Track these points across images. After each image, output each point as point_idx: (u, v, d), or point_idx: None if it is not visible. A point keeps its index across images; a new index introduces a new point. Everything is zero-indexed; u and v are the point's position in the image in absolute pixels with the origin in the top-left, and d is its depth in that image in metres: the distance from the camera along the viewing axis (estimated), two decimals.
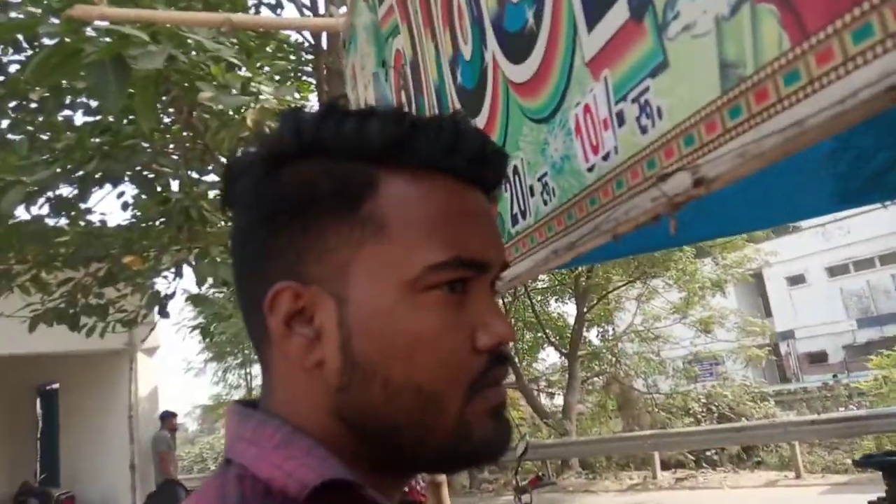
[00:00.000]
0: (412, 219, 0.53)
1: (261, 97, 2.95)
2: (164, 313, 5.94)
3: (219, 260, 5.08)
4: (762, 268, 20.15)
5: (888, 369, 12.37)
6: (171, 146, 5.48)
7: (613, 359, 15.06)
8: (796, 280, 25.30)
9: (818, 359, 23.62)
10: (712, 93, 0.63)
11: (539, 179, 1.02)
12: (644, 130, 0.74)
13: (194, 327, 8.64)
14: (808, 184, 2.27)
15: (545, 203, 1.01)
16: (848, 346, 22.68)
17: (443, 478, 2.48)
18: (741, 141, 0.61)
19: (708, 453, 11.53)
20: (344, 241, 0.53)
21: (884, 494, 1.92)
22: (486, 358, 0.53)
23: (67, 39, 2.72)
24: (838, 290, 24.03)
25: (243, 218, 0.57)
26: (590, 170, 0.87)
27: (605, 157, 0.83)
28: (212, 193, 5.64)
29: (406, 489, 0.65)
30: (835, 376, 16.48)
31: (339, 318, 0.52)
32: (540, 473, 6.40)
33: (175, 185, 5.51)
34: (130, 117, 4.82)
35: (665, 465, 11.42)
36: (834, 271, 24.61)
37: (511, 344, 0.58)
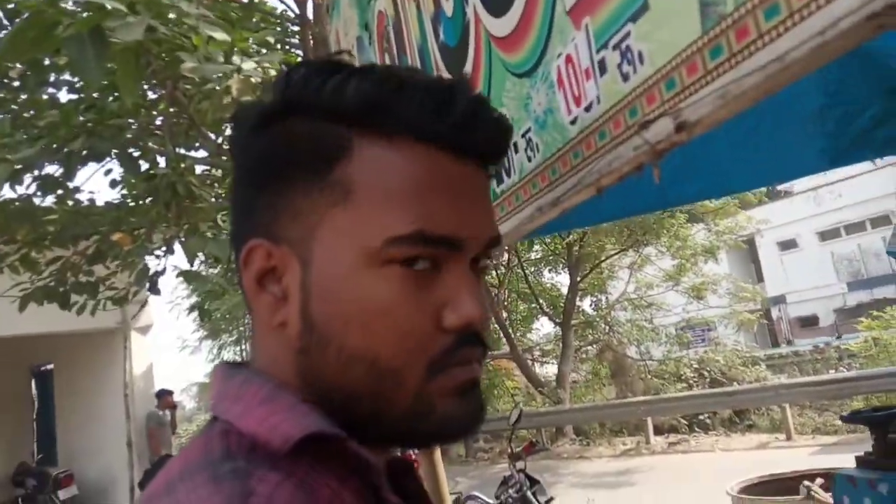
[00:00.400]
0: (381, 186, 0.51)
1: (243, 67, 2.90)
2: (154, 290, 5.91)
3: (209, 235, 5.05)
4: (754, 234, 20.25)
5: (878, 331, 12.51)
6: (157, 122, 5.41)
7: (607, 327, 15.17)
8: (788, 245, 25.43)
9: (809, 322, 23.83)
10: (693, 34, 0.62)
11: (523, 136, 1.00)
12: (626, 77, 0.73)
13: (191, 308, 8.63)
14: (797, 143, 2.26)
15: (529, 159, 1.00)
16: (839, 309, 22.88)
17: None
18: (722, 81, 0.59)
19: (700, 418, 11.67)
20: (314, 203, 0.52)
21: (871, 449, 1.94)
22: (454, 337, 0.52)
23: (44, 12, 2.67)
24: (829, 254, 24.17)
25: (236, 172, 0.58)
26: (573, 122, 0.86)
27: (588, 108, 0.82)
28: (199, 169, 5.60)
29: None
30: (832, 341, 16.63)
31: (301, 281, 0.52)
32: (534, 440, 6.47)
33: (162, 162, 5.46)
34: (115, 94, 4.75)
35: (658, 431, 11.57)
36: (825, 235, 24.72)
37: (488, 325, 0.56)
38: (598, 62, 0.78)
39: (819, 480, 3.00)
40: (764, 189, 13.85)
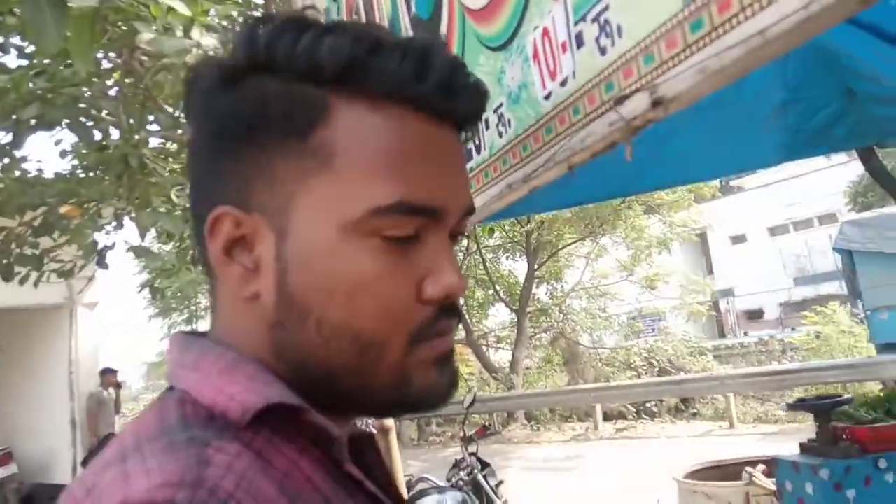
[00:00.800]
0: (362, 152, 0.49)
1: (203, 43, 2.81)
2: (102, 264, 5.75)
3: (162, 210, 4.93)
4: (706, 228, 20.72)
5: (820, 325, 12.96)
6: (111, 92, 5.23)
7: (561, 315, 15.35)
8: (738, 239, 26.11)
9: (755, 315, 24.56)
10: (674, 5, 0.61)
11: (495, 111, 0.99)
12: (603, 51, 0.72)
13: (142, 286, 8.42)
14: (758, 136, 2.31)
15: (500, 135, 0.99)
16: (784, 303, 23.63)
17: (391, 424, 2.49)
18: (702, 56, 0.59)
19: (647, 405, 11.96)
20: (291, 170, 0.49)
21: (814, 436, 2.01)
22: (433, 309, 0.51)
23: None
24: (778, 249, 24.90)
25: (196, 134, 0.54)
26: (547, 97, 0.85)
27: (563, 83, 0.81)
28: (153, 142, 5.44)
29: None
30: (777, 334, 17.16)
31: (277, 252, 0.50)
32: (486, 424, 6.54)
33: (115, 134, 5.29)
34: (68, 62, 4.57)
35: (607, 417, 11.81)
36: (775, 231, 25.46)
37: (461, 298, 0.55)
38: (575, 35, 0.77)
39: (761, 467, 3.09)
40: (718, 183, 14.15)
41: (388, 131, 0.50)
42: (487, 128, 1.02)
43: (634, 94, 0.68)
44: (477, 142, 1.07)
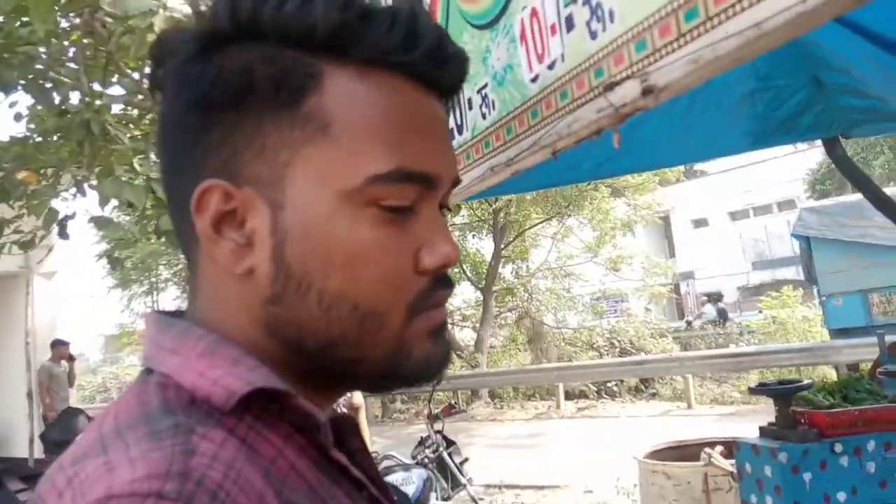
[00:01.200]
0: (358, 120, 0.48)
1: (168, 4, 2.72)
2: (63, 234, 5.60)
3: (124, 179, 4.80)
4: (670, 211, 21.03)
5: (776, 310, 13.31)
6: (71, 53, 5.06)
7: (527, 294, 15.48)
8: (700, 223, 26.58)
9: (714, 298, 25.10)
10: None
11: (479, 91, 0.98)
12: (594, 35, 0.71)
13: (101, 255, 8.21)
14: (727, 123, 2.34)
15: (484, 117, 0.98)
16: (742, 287, 24.18)
17: (361, 402, 2.50)
18: (696, 45, 0.59)
19: (609, 385, 12.19)
20: (284, 139, 0.48)
21: (773, 420, 2.06)
22: (430, 279, 0.51)
23: None
24: (738, 234, 25.42)
25: (171, 104, 0.51)
26: (533, 80, 0.84)
27: (551, 66, 0.80)
28: (116, 108, 5.29)
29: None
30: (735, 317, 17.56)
31: (272, 224, 0.48)
32: (452, 402, 6.59)
33: (75, 98, 5.12)
34: (24, 19, 4.40)
35: (569, 396, 12.01)
36: (735, 216, 25.97)
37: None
38: (565, 18, 0.76)
39: (719, 448, 3.17)
40: (682, 168, 14.35)
41: (381, 98, 0.49)
42: (470, 108, 1.01)
43: (625, 81, 0.68)
44: (459, 122, 1.06)
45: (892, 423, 1.90)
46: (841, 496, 1.81)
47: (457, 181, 0.55)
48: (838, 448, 1.83)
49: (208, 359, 0.47)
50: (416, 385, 0.53)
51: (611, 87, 0.70)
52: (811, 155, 21.60)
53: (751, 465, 1.97)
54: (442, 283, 0.52)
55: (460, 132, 1.06)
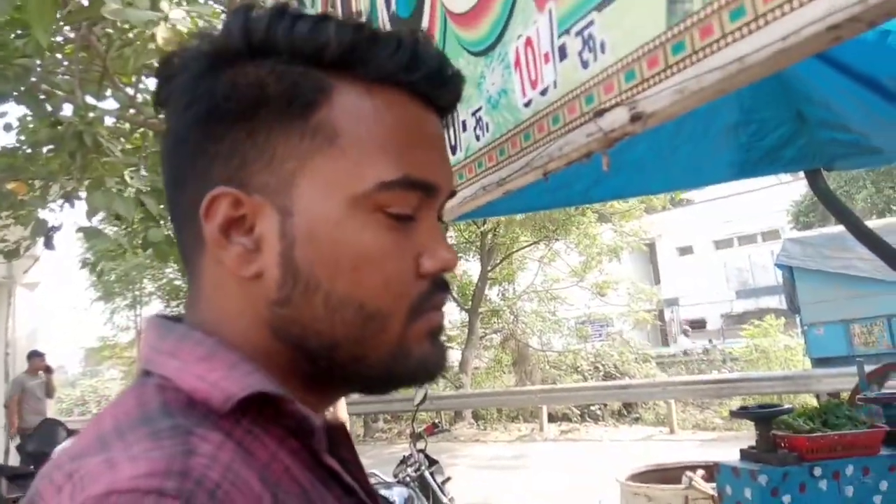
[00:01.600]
0: (366, 132, 0.51)
1: (171, 15, 2.75)
2: (49, 245, 5.58)
3: (114, 191, 4.80)
4: (655, 238, 21.19)
5: (758, 338, 13.41)
6: (66, 65, 5.07)
7: (512, 317, 15.49)
8: (685, 251, 26.80)
9: (698, 325, 25.24)
10: (657, 27, 0.64)
11: (473, 114, 1.01)
12: (585, 65, 0.75)
13: (83, 264, 8.14)
14: (712, 152, 2.39)
15: (477, 139, 1.02)
16: (726, 314, 24.34)
17: (345, 418, 2.49)
18: (682, 77, 0.63)
19: (592, 408, 12.19)
20: (293, 149, 0.51)
21: (754, 443, 2.08)
22: (429, 283, 0.53)
23: None
24: (722, 262, 25.65)
25: (179, 118, 0.54)
26: (527, 105, 0.88)
27: (544, 92, 0.84)
28: (109, 121, 5.29)
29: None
30: (711, 341, 17.68)
31: (281, 229, 0.51)
32: (435, 421, 6.57)
33: (68, 110, 5.13)
34: (19, 32, 4.42)
35: (552, 419, 11.98)
36: (720, 244, 26.23)
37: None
38: (558, 47, 0.79)
39: (700, 472, 3.19)
40: (669, 196, 14.51)
41: (386, 113, 0.52)
42: (465, 130, 1.05)
43: (614, 108, 0.71)
44: (453, 143, 1.09)
45: (870, 447, 1.93)
46: None
47: (453, 193, 0.59)
48: (817, 472, 1.86)
49: (207, 362, 0.49)
50: (414, 384, 0.56)
51: (601, 113, 0.73)
52: (795, 187, 21.90)
53: (731, 488, 1.99)
54: (441, 286, 0.54)
55: (454, 152, 1.09)
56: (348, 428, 0.63)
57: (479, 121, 1.00)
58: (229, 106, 0.51)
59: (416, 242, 0.53)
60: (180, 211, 0.54)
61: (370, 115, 0.52)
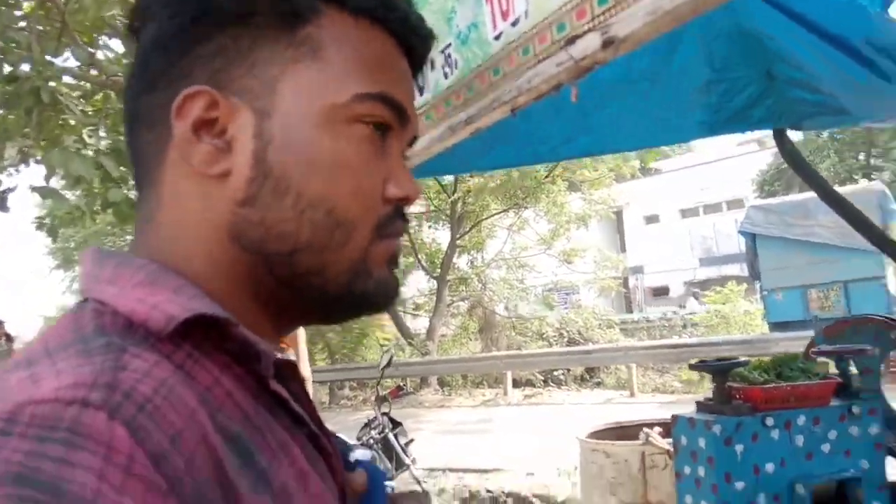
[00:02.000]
0: (349, 51, 0.53)
1: None
2: (3, 207, 5.43)
3: (73, 150, 4.66)
4: (623, 206, 21.43)
5: (719, 304, 13.73)
6: (23, 21, 4.87)
7: (480, 284, 15.59)
8: (652, 219, 27.17)
9: (661, 292, 25.75)
10: None
11: (442, 51, 0.99)
12: None
13: (39, 225, 7.93)
14: (682, 111, 2.41)
15: (445, 76, 1.00)
16: (689, 282, 24.84)
17: (308, 376, 2.49)
18: None
19: (555, 374, 12.42)
20: (277, 56, 0.51)
21: (710, 395, 2.13)
22: (393, 207, 0.55)
23: None
24: (687, 230, 26.09)
25: (159, 26, 0.53)
26: (497, 38, 0.86)
27: (515, 23, 0.82)
28: (68, 81, 5.12)
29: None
30: (679, 311, 18.04)
31: (257, 130, 0.51)
32: (400, 384, 6.61)
33: (26, 69, 4.94)
34: None
35: (516, 384, 12.17)
36: (686, 213, 26.64)
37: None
38: None
39: (657, 429, 3.27)
40: (637, 164, 14.63)
41: (369, 42, 0.54)
42: (433, 68, 1.03)
43: (586, 34, 0.70)
44: (421, 83, 1.07)
45: (822, 398, 2.00)
46: (769, 467, 1.90)
47: (415, 138, 0.61)
48: (770, 422, 1.91)
49: (148, 287, 0.47)
50: (369, 311, 0.56)
51: (572, 40, 0.72)
52: (761, 156, 22.27)
53: (686, 438, 2.04)
54: (401, 215, 0.56)
55: (421, 93, 1.07)
56: (312, 395, 0.62)
57: (447, 58, 0.98)
58: (222, 9, 0.51)
59: (384, 166, 0.54)
60: (146, 117, 0.53)
61: (354, 39, 0.53)
